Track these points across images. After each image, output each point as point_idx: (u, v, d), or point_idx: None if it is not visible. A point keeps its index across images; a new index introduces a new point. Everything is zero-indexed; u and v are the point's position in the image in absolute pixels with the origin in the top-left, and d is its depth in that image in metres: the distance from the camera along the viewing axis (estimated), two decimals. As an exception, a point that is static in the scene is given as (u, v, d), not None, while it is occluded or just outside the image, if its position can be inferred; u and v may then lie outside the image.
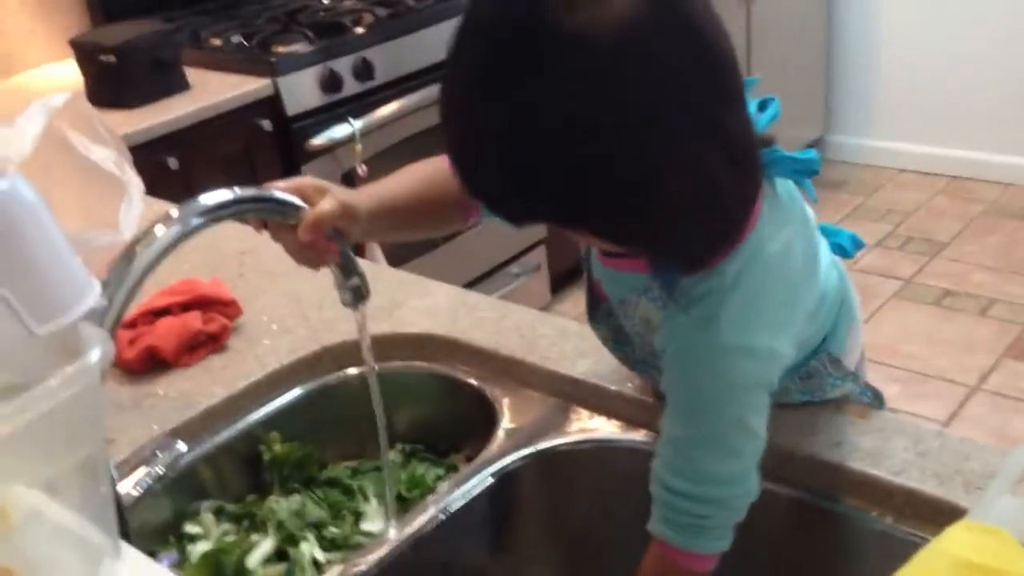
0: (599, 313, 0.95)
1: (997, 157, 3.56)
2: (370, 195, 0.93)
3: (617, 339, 0.96)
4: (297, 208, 0.85)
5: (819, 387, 0.95)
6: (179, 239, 0.80)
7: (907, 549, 0.73)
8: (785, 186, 0.83)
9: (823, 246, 0.90)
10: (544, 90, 0.65)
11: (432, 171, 0.97)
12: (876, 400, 1.03)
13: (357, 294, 0.92)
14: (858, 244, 0.96)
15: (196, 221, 0.81)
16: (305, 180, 0.88)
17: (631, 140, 0.66)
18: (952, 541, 0.63)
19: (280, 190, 0.86)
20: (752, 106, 0.79)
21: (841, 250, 0.94)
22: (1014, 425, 2.40)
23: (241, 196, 0.84)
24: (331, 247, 0.88)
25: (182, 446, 1.04)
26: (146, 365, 1.16)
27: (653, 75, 0.65)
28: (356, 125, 2.36)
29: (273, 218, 0.87)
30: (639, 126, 0.66)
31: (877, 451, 0.92)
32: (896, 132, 3.74)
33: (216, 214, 0.82)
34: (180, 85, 2.23)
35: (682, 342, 0.81)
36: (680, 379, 0.82)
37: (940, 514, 0.84)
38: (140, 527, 1.00)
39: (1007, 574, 0.59)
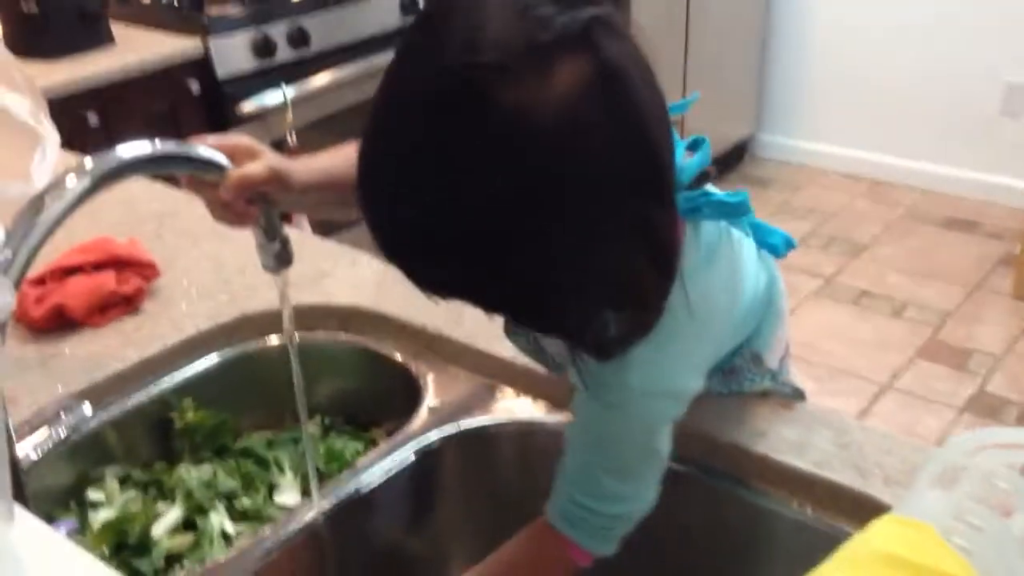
0: (515, 326, 0.93)
1: (917, 164, 3.65)
2: (307, 166, 0.89)
3: (537, 349, 0.95)
4: (222, 167, 0.82)
5: (738, 383, 0.96)
6: (91, 191, 0.74)
7: (826, 540, 0.73)
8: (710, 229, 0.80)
9: (751, 253, 0.88)
10: (474, 167, 0.59)
11: None
12: (796, 396, 1.04)
13: (280, 259, 0.88)
14: (790, 245, 0.95)
15: (111, 172, 0.76)
16: (239, 139, 0.84)
17: (558, 228, 0.61)
18: (878, 534, 0.62)
19: (208, 146, 0.82)
20: (682, 147, 0.76)
21: (772, 249, 0.94)
22: (923, 423, 2.47)
23: (161, 150, 0.79)
24: (251, 210, 0.84)
25: (87, 408, 0.99)
26: (53, 324, 1.11)
27: (588, 165, 0.60)
28: (288, 93, 2.30)
29: (195, 175, 0.83)
30: (568, 216, 0.60)
31: (801, 442, 0.92)
32: (823, 134, 3.82)
33: (134, 167, 0.78)
34: (105, 39, 2.15)
35: (594, 385, 0.79)
36: (591, 416, 0.82)
37: (860, 507, 0.84)
38: (39, 491, 0.95)
39: (930, 569, 0.59)
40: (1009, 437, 0.64)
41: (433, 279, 0.67)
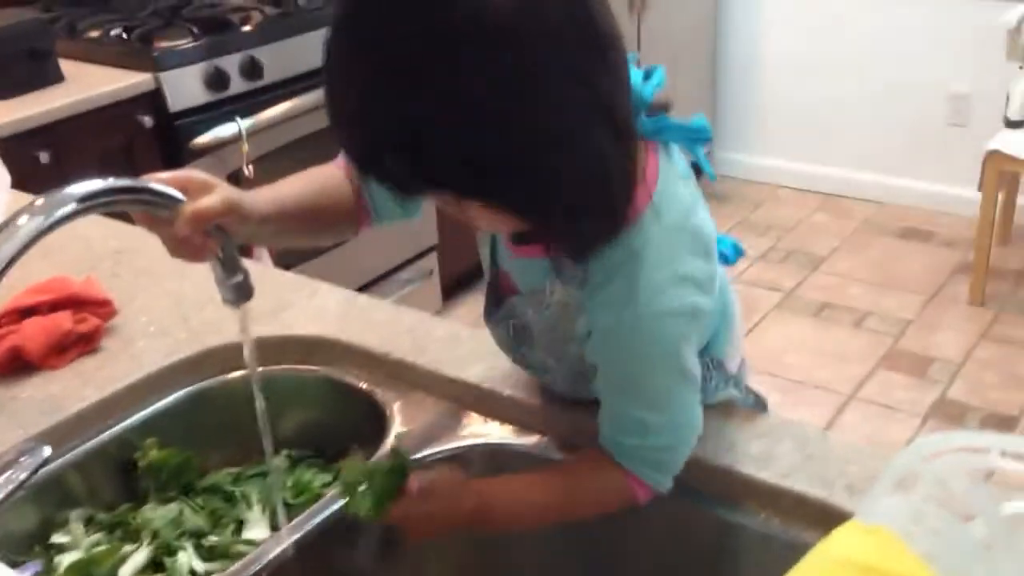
0: (500, 313, 0.94)
1: (870, 176, 3.72)
2: (263, 197, 0.89)
3: (517, 339, 0.95)
4: (176, 201, 0.81)
5: (703, 391, 0.96)
6: (45, 230, 0.73)
7: (793, 551, 0.74)
8: (683, 167, 0.85)
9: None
10: (444, 59, 0.66)
11: (325, 178, 0.95)
12: (759, 405, 1.05)
13: (239, 292, 0.88)
14: (739, 252, 0.99)
15: (64, 211, 0.75)
16: (192, 173, 0.83)
17: (525, 109, 0.67)
18: (837, 542, 0.63)
19: (161, 182, 0.82)
20: (638, 76, 0.80)
21: (723, 258, 0.95)
22: (887, 432, 2.50)
23: (114, 186, 0.78)
24: (208, 244, 0.83)
25: (48, 451, 0.98)
26: (10, 367, 1.10)
27: (547, 48, 0.67)
28: (243, 124, 2.29)
29: (149, 211, 0.82)
30: (533, 96, 0.67)
31: (766, 455, 0.93)
32: (778, 150, 3.87)
33: (86, 204, 0.76)
34: (54, 77, 2.13)
35: (607, 319, 0.82)
36: (612, 354, 0.84)
37: (826, 517, 0.85)
38: (2, 537, 0.94)
39: (889, 572, 0.59)
40: (967, 440, 0.65)
41: (417, 172, 0.71)
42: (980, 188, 2.92)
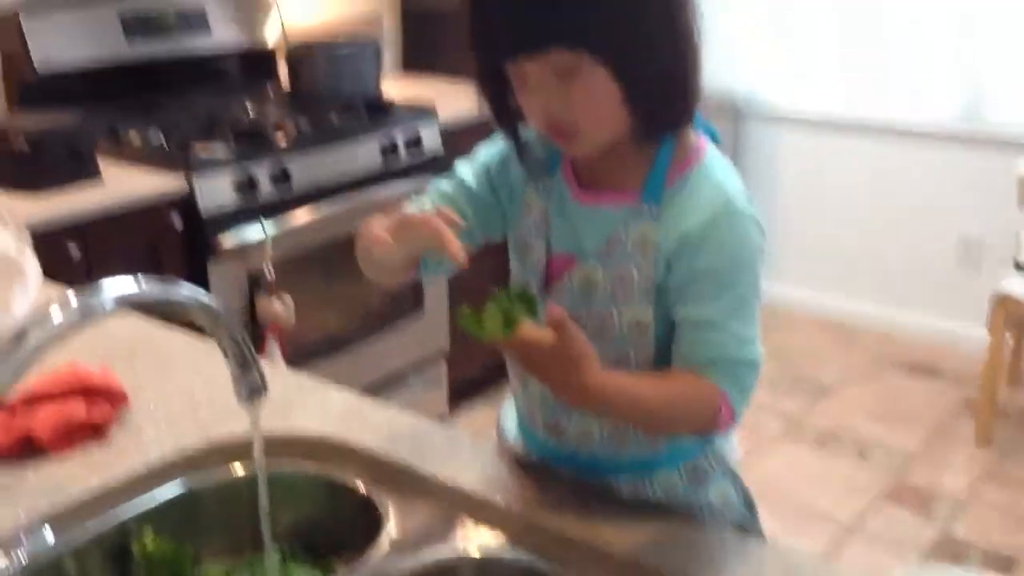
0: (555, 285, 1.05)
1: (880, 309, 3.76)
2: None
3: (580, 299, 1.03)
4: (205, 306, 0.86)
5: (703, 482, 1.01)
6: (75, 325, 0.78)
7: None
8: None
9: None
10: None
11: None
12: (748, 507, 1.11)
13: (254, 389, 0.92)
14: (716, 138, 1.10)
15: (95, 308, 0.79)
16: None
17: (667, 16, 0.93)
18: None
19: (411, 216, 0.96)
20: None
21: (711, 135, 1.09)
22: (888, 566, 2.47)
23: (146, 289, 0.83)
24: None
25: (49, 535, 1.01)
26: (20, 451, 1.13)
27: None
28: (269, 229, 2.37)
29: (177, 313, 0.87)
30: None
31: None
32: (790, 278, 3.93)
33: (118, 303, 0.81)
34: (92, 176, 2.22)
35: (700, 218, 0.97)
36: (711, 255, 0.97)
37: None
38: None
39: None
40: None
41: (567, 21, 0.90)
42: (989, 328, 2.95)
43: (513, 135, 1.05)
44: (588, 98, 0.93)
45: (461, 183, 1.12)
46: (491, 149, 1.13)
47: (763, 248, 1.00)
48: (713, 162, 1.01)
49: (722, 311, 0.97)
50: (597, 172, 1.03)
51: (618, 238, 1.00)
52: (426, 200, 1.12)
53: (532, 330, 0.89)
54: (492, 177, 1.11)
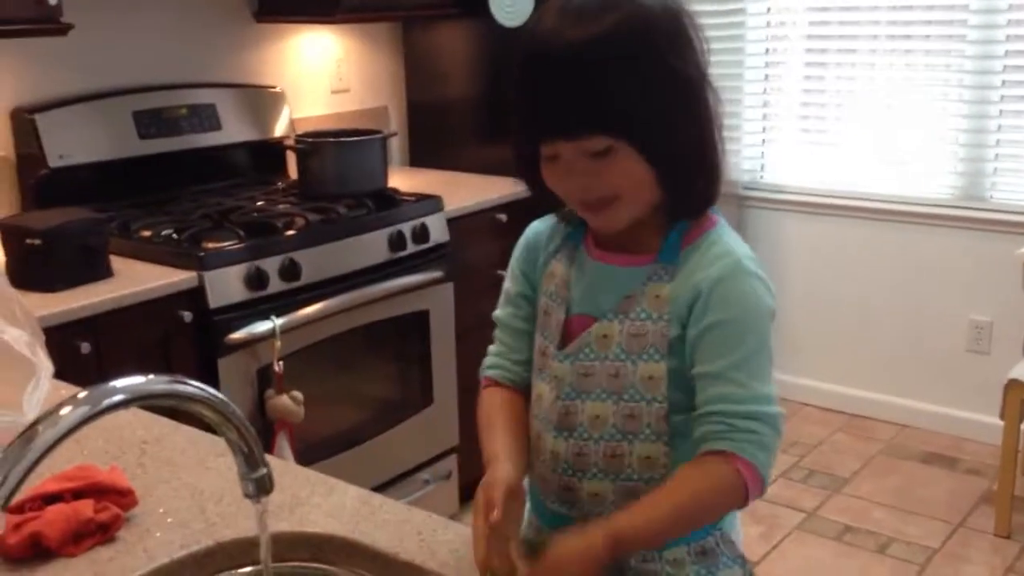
0: (570, 347, 1.09)
1: (893, 399, 3.73)
2: (512, 465, 1.09)
3: (578, 380, 1.09)
4: (211, 404, 0.86)
5: (713, 565, 1.02)
6: (84, 422, 0.79)
7: None
8: None
9: None
10: (637, 54, 1.00)
11: (510, 409, 1.19)
12: None
13: (260, 486, 0.91)
14: None
15: (104, 405, 0.80)
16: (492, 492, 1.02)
17: (683, 82, 1.02)
18: None
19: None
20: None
21: None
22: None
23: (154, 386, 0.84)
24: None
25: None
26: (29, 552, 1.11)
27: (690, 52, 1.04)
28: (277, 322, 2.38)
29: (185, 409, 0.87)
30: (686, 77, 1.02)
31: None
32: (803, 369, 3.90)
33: (126, 401, 0.82)
34: (104, 272, 2.24)
35: (712, 273, 1.03)
36: (718, 311, 1.02)
37: None
38: None
39: None
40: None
41: (608, 113, 0.99)
42: (1002, 417, 2.92)
43: (552, 200, 1.12)
44: (622, 176, 1.01)
45: (507, 298, 1.22)
46: (516, 250, 1.22)
47: (773, 310, 1.05)
48: (724, 229, 1.09)
49: (731, 365, 1.01)
50: (618, 238, 1.10)
51: (634, 296, 1.06)
52: (495, 337, 1.23)
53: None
54: (523, 268, 1.20)
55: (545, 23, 1.02)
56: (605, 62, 0.98)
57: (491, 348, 1.24)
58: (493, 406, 1.17)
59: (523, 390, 1.19)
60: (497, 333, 1.23)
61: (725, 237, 1.08)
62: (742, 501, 1.01)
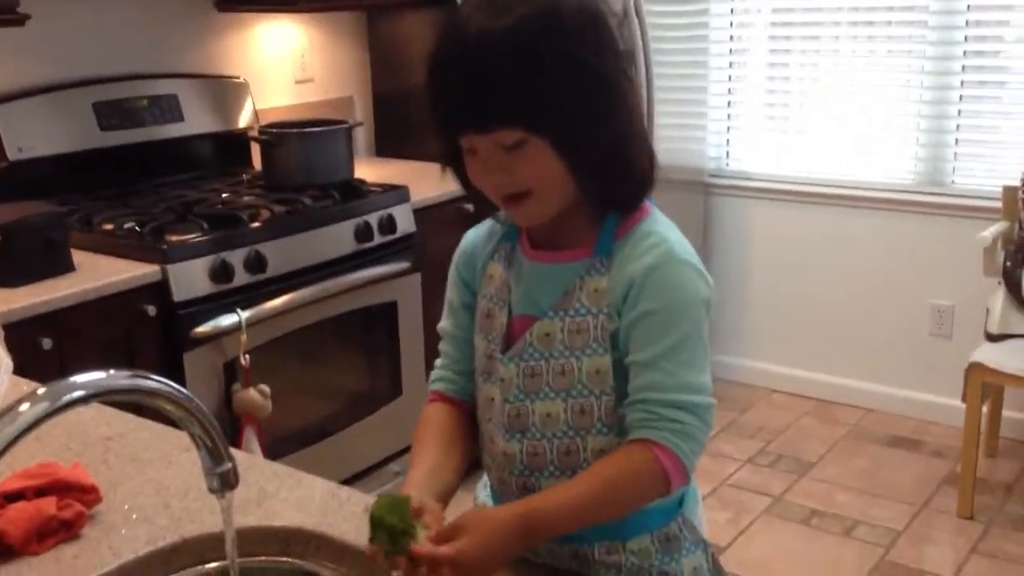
0: (512, 350, 1.09)
1: (858, 383, 3.77)
2: (433, 490, 1.08)
3: (525, 379, 1.08)
4: (174, 400, 0.85)
5: (676, 551, 1.06)
6: (43, 418, 0.77)
7: None
8: None
9: None
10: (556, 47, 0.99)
11: (441, 427, 1.18)
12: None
13: (225, 481, 0.90)
14: None
15: (64, 401, 0.79)
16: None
17: (596, 78, 1.00)
18: None
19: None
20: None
21: None
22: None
23: (115, 382, 0.83)
24: None
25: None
26: (-10, 551, 1.10)
27: (605, 49, 1.02)
28: (243, 315, 2.36)
29: (147, 404, 0.86)
30: (601, 73, 1.01)
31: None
32: (769, 355, 3.94)
33: (86, 397, 0.81)
34: (65, 267, 2.21)
35: (647, 263, 1.03)
36: (649, 300, 1.02)
37: None
38: None
39: None
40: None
41: (522, 106, 0.98)
42: (964, 400, 2.96)
43: (482, 197, 1.11)
44: (533, 169, 1.01)
45: (450, 309, 1.21)
46: (455, 258, 1.22)
47: (708, 298, 1.05)
48: (656, 217, 1.09)
49: (661, 354, 1.01)
50: (550, 234, 1.10)
51: (572, 291, 1.06)
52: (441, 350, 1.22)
53: (430, 551, 0.93)
54: (464, 276, 1.20)
55: (460, 14, 1.01)
56: (513, 53, 0.97)
57: (437, 361, 1.22)
58: (429, 423, 1.17)
59: (470, 401, 1.18)
60: (442, 346, 1.22)
61: (658, 226, 1.07)
62: (664, 489, 1.01)
